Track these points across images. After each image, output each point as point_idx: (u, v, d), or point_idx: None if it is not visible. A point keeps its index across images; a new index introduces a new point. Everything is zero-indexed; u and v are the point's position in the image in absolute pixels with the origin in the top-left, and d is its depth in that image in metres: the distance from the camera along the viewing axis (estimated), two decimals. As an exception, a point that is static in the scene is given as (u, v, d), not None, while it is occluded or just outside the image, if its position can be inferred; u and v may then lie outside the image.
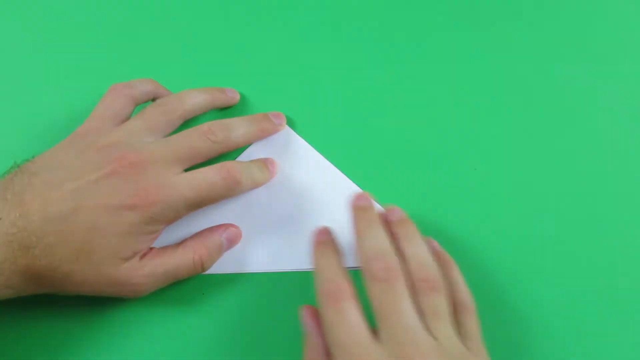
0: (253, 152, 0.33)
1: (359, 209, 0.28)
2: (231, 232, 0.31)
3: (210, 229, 0.31)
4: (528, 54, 0.35)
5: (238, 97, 0.35)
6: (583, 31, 0.36)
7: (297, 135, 0.33)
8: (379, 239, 0.27)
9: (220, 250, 0.30)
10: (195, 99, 0.32)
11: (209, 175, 0.28)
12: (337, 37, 0.35)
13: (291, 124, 0.33)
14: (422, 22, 0.36)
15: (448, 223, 0.32)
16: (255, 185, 0.31)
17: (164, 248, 0.29)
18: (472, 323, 0.27)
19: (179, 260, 0.29)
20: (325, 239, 0.28)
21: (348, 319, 0.24)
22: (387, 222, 0.29)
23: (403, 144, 0.33)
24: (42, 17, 0.37)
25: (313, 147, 0.33)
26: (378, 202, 0.31)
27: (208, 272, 0.30)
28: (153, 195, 0.26)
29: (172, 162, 0.28)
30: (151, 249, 0.29)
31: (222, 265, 0.31)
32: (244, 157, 0.33)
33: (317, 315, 0.27)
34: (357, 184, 0.32)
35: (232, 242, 0.31)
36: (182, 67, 0.36)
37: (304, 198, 0.32)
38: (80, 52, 0.37)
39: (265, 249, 0.31)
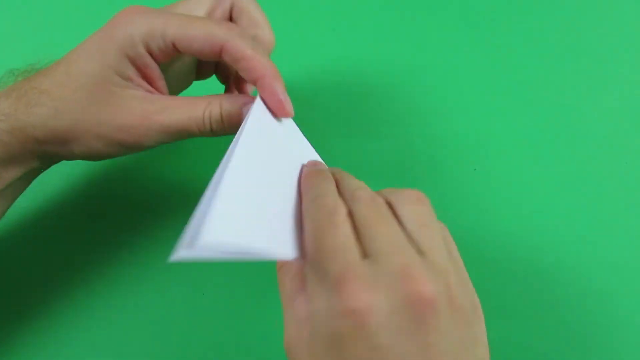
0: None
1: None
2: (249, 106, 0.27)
3: (231, 96, 0.28)
4: (528, 55, 0.35)
5: None
6: (584, 32, 0.36)
7: (298, 131, 0.33)
8: (352, 180, 0.25)
9: (238, 116, 0.27)
10: None
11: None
12: (336, 35, 0.35)
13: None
14: (421, 22, 0.36)
15: (448, 223, 0.32)
16: None
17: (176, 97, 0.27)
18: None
19: (190, 110, 0.26)
20: (319, 169, 0.27)
21: (342, 230, 0.22)
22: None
23: (403, 144, 0.33)
24: None
25: (313, 147, 0.33)
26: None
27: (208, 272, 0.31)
28: None
29: None
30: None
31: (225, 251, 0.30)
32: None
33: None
34: (357, 184, 0.32)
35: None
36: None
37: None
38: None
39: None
